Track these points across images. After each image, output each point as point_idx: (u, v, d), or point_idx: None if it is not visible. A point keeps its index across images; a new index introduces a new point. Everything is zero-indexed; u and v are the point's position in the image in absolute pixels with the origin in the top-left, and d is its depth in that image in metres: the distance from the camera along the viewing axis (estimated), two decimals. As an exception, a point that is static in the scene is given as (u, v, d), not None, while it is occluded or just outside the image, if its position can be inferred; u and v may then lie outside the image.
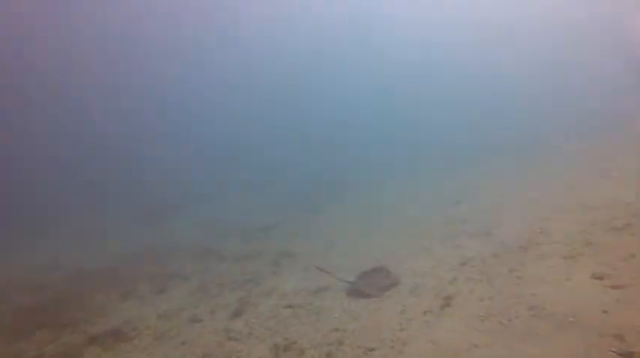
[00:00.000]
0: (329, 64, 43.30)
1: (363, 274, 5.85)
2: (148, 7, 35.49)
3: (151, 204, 17.68)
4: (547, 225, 5.55)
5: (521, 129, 17.78)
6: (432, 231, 7.05)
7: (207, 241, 11.32)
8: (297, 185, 17.34)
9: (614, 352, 2.79)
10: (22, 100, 34.95)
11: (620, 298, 3.37)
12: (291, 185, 17.66)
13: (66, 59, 35.56)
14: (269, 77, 42.56)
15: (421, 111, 30.33)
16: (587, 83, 21.59)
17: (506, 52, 35.42)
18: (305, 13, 41.43)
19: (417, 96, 35.04)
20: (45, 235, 15.58)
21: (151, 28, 37.11)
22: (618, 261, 4.07)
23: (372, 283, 5.51)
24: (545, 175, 8.86)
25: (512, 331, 3.39)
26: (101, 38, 35.74)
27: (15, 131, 33.09)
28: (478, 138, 17.83)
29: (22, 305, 7.79)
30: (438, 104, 31.08)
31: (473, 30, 39.22)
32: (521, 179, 9.29)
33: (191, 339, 5.23)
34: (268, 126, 34.15)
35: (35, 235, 15.55)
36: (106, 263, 10.31)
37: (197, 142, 32.42)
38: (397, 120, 28.82)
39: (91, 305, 7.11)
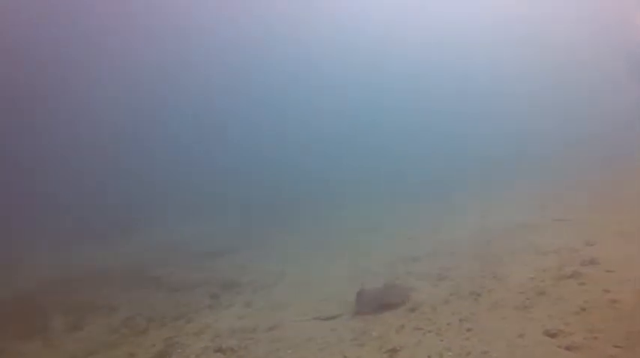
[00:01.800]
0: (298, 91, 42.61)
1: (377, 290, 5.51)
2: (142, 11, 33.76)
3: (95, 225, 16.17)
4: (500, 269, 5.32)
5: (491, 158, 17.91)
6: (384, 268, 6.66)
7: (149, 267, 10.29)
8: (256, 208, 16.57)
9: None
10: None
11: (574, 363, 3.05)
12: (251, 208, 16.86)
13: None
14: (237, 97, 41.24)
15: (389, 134, 30.43)
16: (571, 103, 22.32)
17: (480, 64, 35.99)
18: (290, 30, 40.76)
19: (386, 118, 35.17)
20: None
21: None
22: (570, 315, 3.83)
23: (385, 298, 5.22)
24: (501, 212, 8.86)
25: (459, 401, 2.95)
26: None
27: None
28: (446, 167, 18.04)
29: None
30: (408, 126, 31.23)
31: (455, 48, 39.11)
32: (478, 214, 9.24)
33: (94, 394, 4.36)
34: (229, 149, 33.09)
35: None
36: (20, 291, 8.96)
37: (154, 163, 30.57)
38: (362, 143, 28.72)
39: (-20, 347, 5.95)
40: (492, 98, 32.49)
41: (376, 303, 5.16)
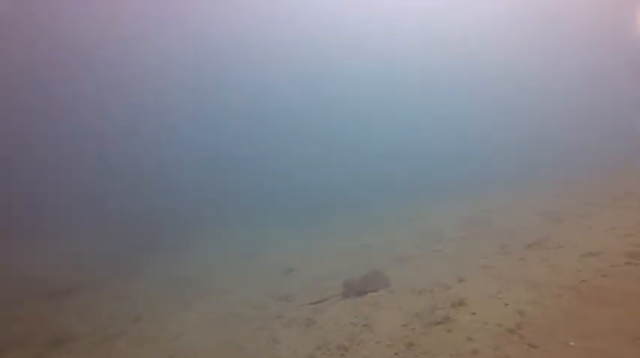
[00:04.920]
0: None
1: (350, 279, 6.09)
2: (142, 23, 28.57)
3: None
4: (373, 313, 4.87)
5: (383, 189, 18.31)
6: (250, 312, 5.76)
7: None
8: (132, 235, 14.08)
9: None
10: None
11: None
12: (125, 235, 14.26)
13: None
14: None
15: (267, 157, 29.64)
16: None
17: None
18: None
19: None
20: None
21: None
22: (434, 374, 3.42)
23: (368, 282, 5.80)
24: (382, 241, 8.71)
25: None
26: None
27: None
28: (340, 193, 18.02)
29: None
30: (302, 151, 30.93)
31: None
32: (358, 243, 8.93)
33: None
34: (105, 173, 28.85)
35: None
36: None
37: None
38: (246, 169, 27.32)
39: None
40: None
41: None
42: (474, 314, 4.44)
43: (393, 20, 38.10)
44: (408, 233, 8.90)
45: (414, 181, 16.51)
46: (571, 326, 3.87)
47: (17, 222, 16.02)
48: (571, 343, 3.57)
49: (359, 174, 20.08)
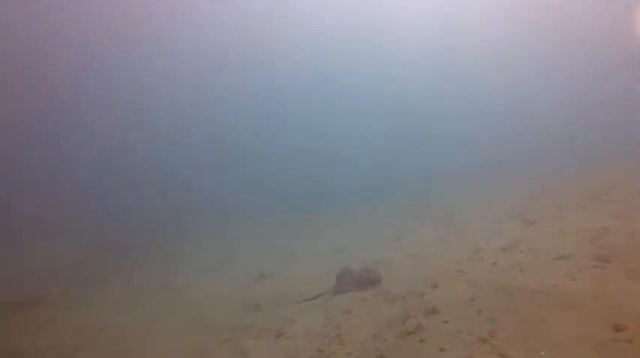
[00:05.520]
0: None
1: (342, 273, 6.15)
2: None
3: None
4: (344, 323, 4.73)
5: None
6: (218, 322, 5.54)
7: None
8: (100, 242, 13.40)
9: None
10: None
11: None
12: (98, 235, 13.69)
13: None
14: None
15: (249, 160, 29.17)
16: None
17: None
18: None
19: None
20: None
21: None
22: (405, 388, 3.31)
23: (352, 280, 5.82)
24: (359, 246, 8.55)
25: None
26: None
27: None
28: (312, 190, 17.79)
29: None
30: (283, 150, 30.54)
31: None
32: (335, 248, 8.76)
33: None
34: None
35: None
36: None
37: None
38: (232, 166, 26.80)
39: None
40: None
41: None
42: (446, 322, 4.38)
43: (393, 19, 38.42)
44: (384, 236, 8.83)
45: (389, 182, 16.53)
46: (541, 333, 3.85)
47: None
48: (542, 353, 3.54)
49: (335, 176, 19.97)
